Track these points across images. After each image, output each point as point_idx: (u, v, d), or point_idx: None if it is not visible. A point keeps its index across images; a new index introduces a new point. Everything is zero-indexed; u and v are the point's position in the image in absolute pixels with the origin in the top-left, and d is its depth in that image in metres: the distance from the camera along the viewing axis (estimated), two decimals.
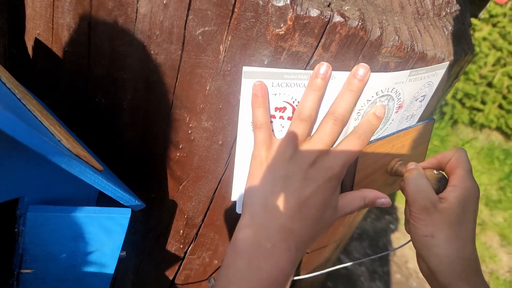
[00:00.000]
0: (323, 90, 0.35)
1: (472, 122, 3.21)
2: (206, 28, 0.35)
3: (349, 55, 0.35)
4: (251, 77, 0.35)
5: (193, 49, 0.36)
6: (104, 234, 0.37)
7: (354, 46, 0.35)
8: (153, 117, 0.42)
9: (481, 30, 2.95)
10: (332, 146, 0.37)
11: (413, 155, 0.51)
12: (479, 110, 3.08)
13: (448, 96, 3.08)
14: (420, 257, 0.41)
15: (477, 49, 2.93)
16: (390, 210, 2.58)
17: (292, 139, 0.36)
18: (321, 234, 0.38)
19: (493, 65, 2.84)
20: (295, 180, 0.36)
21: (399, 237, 2.41)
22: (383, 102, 0.39)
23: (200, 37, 0.35)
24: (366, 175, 0.45)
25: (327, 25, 0.33)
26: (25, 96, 0.34)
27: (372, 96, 0.38)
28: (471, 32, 3.02)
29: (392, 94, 0.39)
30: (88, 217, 0.35)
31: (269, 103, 0.36)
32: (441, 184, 0.42)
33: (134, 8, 0.37)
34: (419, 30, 0.39)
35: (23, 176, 0.32)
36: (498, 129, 3.20)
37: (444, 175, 0.43)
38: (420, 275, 2.33)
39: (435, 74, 0.43)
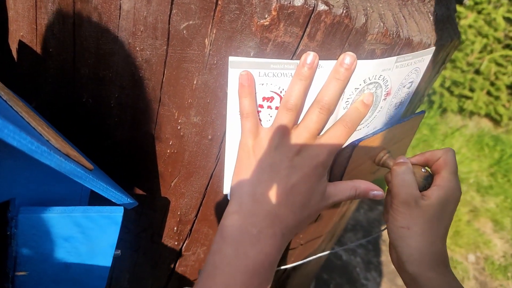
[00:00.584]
0: (309, 80, 0.35)
1: (461, 110, 3.24)
2: (190, 22, 0.34)
3: (335, 43, 0.35)
4: (238, 67, 0.35)
5: (178, 43, 0.36)
6: (98, 233, 0.36)
7: (340, 34, 0.35)
8: (142, 114, 0.42)
9: (466, 17, 2.98)
10: (318, 134, 0.37)
11: (399, 146, 0.51)
12: (467, 97, 3.11)
13: (436, 85, 3.11)
14: (392, 247, 0.43)
15: (463, 36, 2.96)
16: (383, 201, 2.60)
17: (278, 128, 0.36)
18: (308, 221, 0.39)
19: (480, 52, 2.87)
20: (281, 168, 0.36)
21: None
22: (371, 89, 0.39)
23: (184, 31, 0.35)
24: (355, 166, 0.45)
25: (311, 14, 0.33)
26: (11, 98, 0.34)
27: (360, 84, 0.38)
28: (457, 20, 3.05)
29: (379, 81, 0.40)
30: (81, 216, 0.35)
31: (256, 93, 0.36)
32: (427, 182, 0.43)
33: (117, 5, 0.36)
34: (404, 16, 0.39)
35: (13, 178, 0.32)
36: (487, 115, 3.23)
37: (430, 174, 0.44)
38: None
39: (422, 60, 0.43)
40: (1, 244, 0.37)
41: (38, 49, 0.45)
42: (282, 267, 0.58)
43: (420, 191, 0.43)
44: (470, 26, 2.93)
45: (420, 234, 0.40)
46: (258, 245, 0.35)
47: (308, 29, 0.34)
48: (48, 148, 0.28)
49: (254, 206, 0.36)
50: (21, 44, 0.47)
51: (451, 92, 3.14)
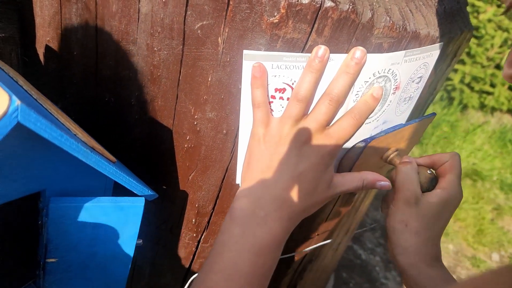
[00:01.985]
0: (320, 72, 0.37)
1: (482, 106, 3.18)
2: (204, 22, 0.37)
3: (343, 38, 0.37)
4: (252, 59, 0.37)
5: (193, 43, 0.38)
6: (121, 222, 0.39)
7: (347, 29, 0.36)
8: (160, 111, 0.44)
9: (485, 11, 2.92)
10: (327, 125, 0.39)
11: (406, 145, 0.52)
12: (488, 93, 3.05)
13: (456, 81, 3.05)
14: (388, 240, 0.45)
15: (482, 31, 2.90)
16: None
17: (288, 118, 0.38)
18: (315, 207, 0.41)
19: (500, 46, 2.80)
20: (290, 156, 0.38)
21: None
22: (380, 83, 0.41)
23: (199, 31, 0.37)
24: (364, 161, 0.47)
25: (319, 11, 0.35)
26: (40, 97, 0.36)
27: (370, 78, 0.39)
28: (475, 14, 2.99)
29: (388, 75, 0.41)
30: (106, 206, 0.37)
31: (268, 84, 0.38)
32: (431, 184, 0.45)
33: (136, 9, 0.39)
34: (410, 10, 0.40)
35: (45, 170, 0.34)
36: (510, 111, 3.16)
37: (435, 176, 0.46)
38: None
39: (430, 55, 0.44)
40: (33, 233, 0.40)
41: (63, 53, 0.48)
42: (294, 254, 0.60)
43: (424, 191, 0.44)
44: (489, 20, 2.87)
45: (416, 232, 0.42)
46: (265, 227, 0.37)
47: (316, 25, 0.36)
48: (75, 140, 0.30)
49: (263, 191, 0.39)
50: (48, 49, 0.50)
51: (472, 88, 3.08)
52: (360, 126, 0.40)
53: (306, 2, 0.34)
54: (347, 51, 0.38)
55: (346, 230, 0.68)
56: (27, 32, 0.51)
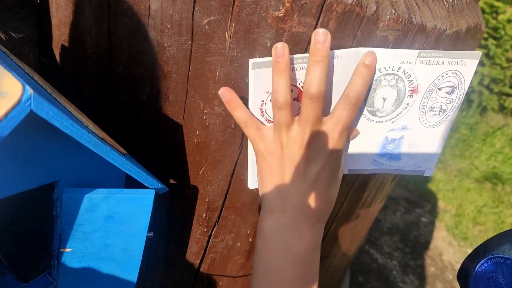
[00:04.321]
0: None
1: (502, 108, 3.11)
2: (212, 18, 0.37)
3: (348, 31, 0.37)
4: (259, 67, 0.37)
5: (201, 38, 0.39)
6: (132, 214, 0.40)
7: (352, 22, 0.37)
8: (171, 107, 0.45)
9: (504, 12, 2.86)
10: (346, 128, 0.38)
11: None
12: (508, 95, 2.98)
13: (474, 83, 3.00)
14: None
15: (501, 32, 2.84)
16: (421, 203, 2.53)
17: (279, 126, 0.38)
18: (335, 198, 0.41)
19: None
20: (298, 165, 0.38)
21: (431, 230, 2.36)
22: (389, 81, 0.40)
23: (206, 27, 0.38)
24: None
25: (323, 4, 0.35)
26: (54, 92, 0.38)
27: (375, 73, 0.39)
28: (494, 15, 2.94)
29: (399, 74, 0.40)
30: (116, 197, 0.38)
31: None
32: None
33: (146, 6, 0.40)
34: (416, 3, 0.40)
35: (59, 161, 0.36)
36: None
37: None
38: (456, 266, 2.27)
39: (462, 63, 0.40)
40: (49, 224, 0.41)
41: (78, 52, 0.50)
42: None
43: None
44: (509, 21, 2.81)
45: None
46: (299, 238, 0.38)
47: (321, 19, 0.36)
48: (86, 131, 0.31)
49: (284, 204, 0.39)
50: (64, 49, 0.52)
51: (491, 90, 3.02)
52: (358, 106, 0.38)
53: None
54: (352, 45, 0.38)
55: (357, 228, 0.67)
56: (44, 33, 0.53)
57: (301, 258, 0.38)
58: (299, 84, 0.39)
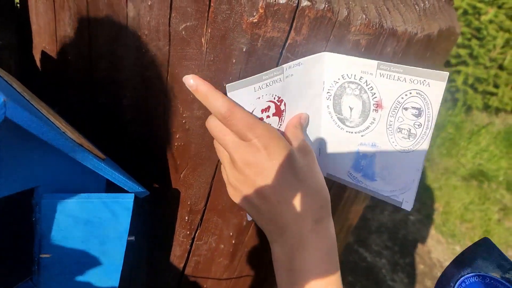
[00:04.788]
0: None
1: (486, 107, 3.16)
2: (188, 24, 0.38)
3: (321, 36, 0.38)
4: (235, 88, 0.36)
5: (178, 43, 0.40)
6: (112, 218, 0.40)
7: (324, 27, 0.38)
8: (151, 111, 0.46)
9: (486, 13, 2.92)
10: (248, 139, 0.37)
11: None
12: (492, 94, 3.03)
13: (459, 82, 3.05)
14: None
15: (484, 32, 2.90)
16: None
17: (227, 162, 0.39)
18: (323, 182, 0.40)
19: (502, 47, 2.80)
20: (257, 189, 0.37)
21: (420, 228, 2.39)
22: (354, 90, 0.40)
23: (183, 32, 0.39)
24: None
25: (296, 10, 0.36)
26: (33, 99, 0.38)
27: (339, 79, 0.40)
28: (476, 16, 2.99)
29: (361, 84, 0.40)
30: (95, 202, 0.39)
31: (254, 109, 0.38)
32: None
33: (124, 13, 0.41)
34: (387, 8, 0.42)
35: (38, 167, 0.36)
36: None
37: None
38: (445, 264, 2.29)
39: (426, 84, 0.37)
40: (30, 231, 0.41)
41: (59, 58, 0.50)
42: None
43: None
44: (491, 21, 2.87)
45: None
46: (310, 247, 0.37)
47: (294, 24, 0.37)
48: (63, 137, 0.32)
49: (278, 225, 0.38)
50: (44, 55, 0.52)
51: (475, 89, 3.07)
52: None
53: (283, 1, 0.36)
54: (325, 49, 0.39)
55: (342, 224, 0.69)
56: (24, 39, 0.54)
57: (323, 259, 0.38)
58: (274, 98, 0.39)
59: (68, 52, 0.49)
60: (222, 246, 0.55)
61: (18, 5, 0.55)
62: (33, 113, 0.30)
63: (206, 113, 0.44)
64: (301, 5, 0.36)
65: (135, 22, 0.41)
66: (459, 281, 0.39)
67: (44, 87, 0.54)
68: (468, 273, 0.39)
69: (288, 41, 0.38)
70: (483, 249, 0.40)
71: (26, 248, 0.47)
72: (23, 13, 0.52)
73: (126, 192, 0.42)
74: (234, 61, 0.39)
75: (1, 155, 0.33)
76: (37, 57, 0.53)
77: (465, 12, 3.05)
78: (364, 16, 0.38)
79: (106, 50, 0.45)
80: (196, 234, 0.55)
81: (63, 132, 0.34)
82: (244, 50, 0.39)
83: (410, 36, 0.43)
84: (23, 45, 0.54)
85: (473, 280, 0.38)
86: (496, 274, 0.37)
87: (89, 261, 0.42)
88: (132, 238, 0.44)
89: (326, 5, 0.36)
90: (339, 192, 0.59)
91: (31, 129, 0.28)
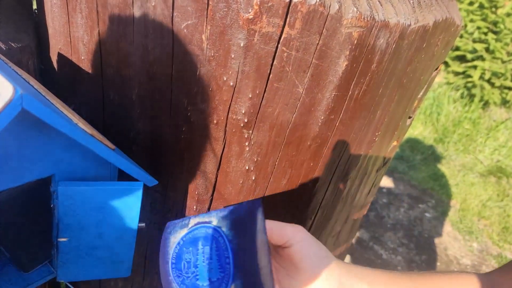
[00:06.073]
0: None
1: (504, 102, 3.11)
2: (189, 22, 0.41)
3: (314, 29, 0.40)
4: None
5: (181, 40, 0.42)
6: (123, 204, 0.43)
7: (317, 21, 0.40)
8: (158, 105, 0.49)
9: (503, 6, 2.87)
10: None
11: None
12: (510, 88, 2.98)
13: (475, 78, 3.00)
14: None
15: (501, 25, 2.85)
16: (424, 198, 2.54)
17: None
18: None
19: None
20: None
21: (436, 225, 2.37)
22: None
23: (185, 30, 0.42)
24: None
25: (289, 5, 0.39)
26: (48, 94, 0.42)
27: None
28: (493, 9, 2.94)
29: None
30: (107, 189, 0.42)
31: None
32: None
33: (131, 13, 0.44)
34: (379, 1, 0.43)
35: (54, 156, 0.39)
36: None
37: None
38: (462, 261, 2.26)
39: None
40: (48, 215, 0.45)
41: (73, 58, 0.54)
42: None
43: None
44: (508, 15, 2.82)
45: None
46: None
47: (288, 19, 0.39)
48: (74, 127, 0.35)
49: None
50: (60, 56, 0.56)
51: (492, 84, 3.02)
52: None
53: None
54: (319, 42, 0.41)
55: (345, 217, 0.70)
56: (41, 42, 0.57)
57: None
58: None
59: (80, 52, 0.52)
60: None
61: (36, 10, 0.59)
62: (47, 105, 0.33)
63: (209, 106, 0.46)
64: (294, 0, 0.38)
65: (141, 21, 0.44)
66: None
67: (60, 86, 0.58)
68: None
69: (283, 36, 0.40)
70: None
71: (43, 233, 0.50)
72: (40, 17, 0.56)
73: (136, 180, 0.45)
74: (232, 56, 0.42)
75: (20, 145, 0.36)
76: (54, 58, 0.57)
77: (481, 6, 3.00)
78: (355, 9, 0.40)
79: (115, 48, 0.48)
80: None
81: (76, 124, 0.37)
82: (241, 45, 0.41)
83: (403, 27, 0.44)
84: (40, 47, 0.58)
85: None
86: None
87: (103, 246, 0.45)
88: (143, 225, 0.47)
89: (318, 0, 0.39)
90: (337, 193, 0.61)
91: (46, 119, 0.31)
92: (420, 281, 0.44)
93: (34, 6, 0.61)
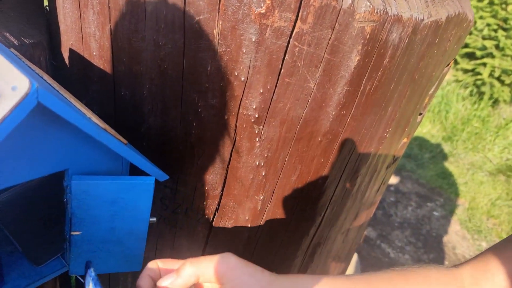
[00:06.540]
0: None
1: None
2: (201, 17, 0.41)
3: (326, 24, 0.40)
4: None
5: (193, 36, 0.42)
6: (135, 198, 0.44)
7: (329, 15, 0.40)
8: (169, 101, 0.49)
9: None
10: None
11: None
12: None
13: (485, 75, 2.97)
14: None
15: (511, 22, 2.81)
16: (433, 197, 2.52)
17: None
18: None
19: None
20: None
21: (444, 224, 2.35)
22: None
23: (197, 25, 0.42)
24: None
25: (301, 0, 0.38)
26: (61, 89, 0.42)
27: None
28: (503, 6, 2.91)
29: None
30: (120, 183, 0.42)
31: None
32: None
33: (143, 8, 0.44)
34: None
35: (67, 151, 0.40)
36: None
37: None
38: None
39: None
40: (61, 209, 0.45)
41: (84, 54, 0.54)
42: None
43: None
44: None
45: None
46: None
47: (300, 13, 0.39)
48: (88, 121, 0.35)
49: None
50: (71, 52, 0.56)
51: (502, 82, 2.99)
52: None
53: None
54: (331, 36, 0.41)
55: (355, 215, 0.70)
56: (53, 38, 0.58)
57: None
58: None
59: (92, 48, 0.52)
60: (239, 230, 0.58)
61: (47, 7, 0.59)
62: (61, 100, 0.33)
63: (220, 101, 0.46)
64: None
65: (153, 16, 0.44)
66: None
67: (72, 81, 0.59)
68: None
69: (295, 30, 0.40)
70: None
71: (56, 227, 0.51)
72: (52, 13, 0.56)
73: (148, 175, 0.45)
74: (244, 51, 0.42)
75: (34, 140, 0.36)
76: (65, 54, 0.57)
77: (491, 2, 2.97)
78: (368, 3, 0.40)
79: (126, 44, 0.48)
80: (214, 218, 0.57)
81: (89, 118, 0.37)
82: (253, 40, 0.41)
83: (416, 22, 0.44)
84: (52, 43, 0.58)
85: None
86: None
87: (115, 240, 0.46)
88: (154, 219, 0.48)
89: None
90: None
91: (61, 113, 0.32)
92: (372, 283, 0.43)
93: (46, 3, 0.62)
